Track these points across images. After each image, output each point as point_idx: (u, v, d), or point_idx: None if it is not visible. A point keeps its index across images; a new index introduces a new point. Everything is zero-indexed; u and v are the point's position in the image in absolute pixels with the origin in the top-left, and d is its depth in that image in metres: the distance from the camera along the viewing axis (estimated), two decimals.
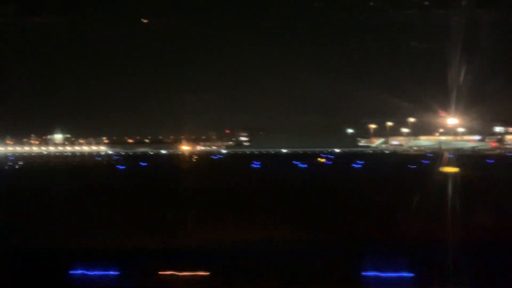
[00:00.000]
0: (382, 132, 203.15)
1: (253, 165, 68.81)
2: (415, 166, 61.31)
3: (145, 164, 79.33)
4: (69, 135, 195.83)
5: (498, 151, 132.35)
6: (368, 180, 42.55)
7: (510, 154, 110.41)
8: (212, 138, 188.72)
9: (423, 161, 76.55)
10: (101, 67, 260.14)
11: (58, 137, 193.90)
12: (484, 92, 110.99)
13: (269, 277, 12.01)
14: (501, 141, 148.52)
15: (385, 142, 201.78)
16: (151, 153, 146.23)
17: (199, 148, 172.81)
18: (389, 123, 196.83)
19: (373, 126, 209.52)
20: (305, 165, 67.68)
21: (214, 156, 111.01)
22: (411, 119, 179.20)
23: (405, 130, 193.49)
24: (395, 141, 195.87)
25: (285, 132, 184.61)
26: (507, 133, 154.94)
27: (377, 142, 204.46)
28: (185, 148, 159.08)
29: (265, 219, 20.17)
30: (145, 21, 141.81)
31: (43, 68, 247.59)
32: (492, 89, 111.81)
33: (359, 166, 65.65)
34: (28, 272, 12.47)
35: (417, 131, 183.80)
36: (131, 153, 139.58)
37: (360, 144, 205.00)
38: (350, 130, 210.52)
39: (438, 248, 14.24)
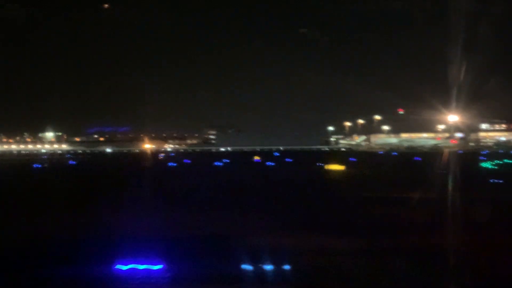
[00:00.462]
0: (362, 129, 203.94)
1: (170, 163, 68.77)
2: (321, 164, 61.07)
3: (74, 163, 79.44)
4: (60, 133, 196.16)
5: (456, 148, 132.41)
6: (250, 177, 42.40)
7: (461, 152, 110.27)
8: (184, 136, 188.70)
9: (350, 159, 76.56)
10: (95, 66, 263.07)
11: (49, 135, 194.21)
12: (466, 90, 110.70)
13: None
14: (463, 139, 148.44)
15: (367, 140, 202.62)
16: (109, 151, 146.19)
17: (167, 146, 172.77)
18: (361, 121, 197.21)
19: (348, 124, 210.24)
20: (220, 164, 67.78)
21: (161, 155, 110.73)
22: (378, 117, 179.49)
23: (386, 127, 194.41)
24: (378, 139, 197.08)
25: (255, 131, 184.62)
26: (473, 130, 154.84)
27: (358, 139, 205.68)
28: (147, 146, 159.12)
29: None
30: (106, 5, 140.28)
31: (38, 66, 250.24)
32: (474, 88, 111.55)
33: (273, 164, 65.52)
34: None
35: (401, 128, 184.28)
36: (87, 151, 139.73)
37: (342, 142, 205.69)
38: (330, 128, 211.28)
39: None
